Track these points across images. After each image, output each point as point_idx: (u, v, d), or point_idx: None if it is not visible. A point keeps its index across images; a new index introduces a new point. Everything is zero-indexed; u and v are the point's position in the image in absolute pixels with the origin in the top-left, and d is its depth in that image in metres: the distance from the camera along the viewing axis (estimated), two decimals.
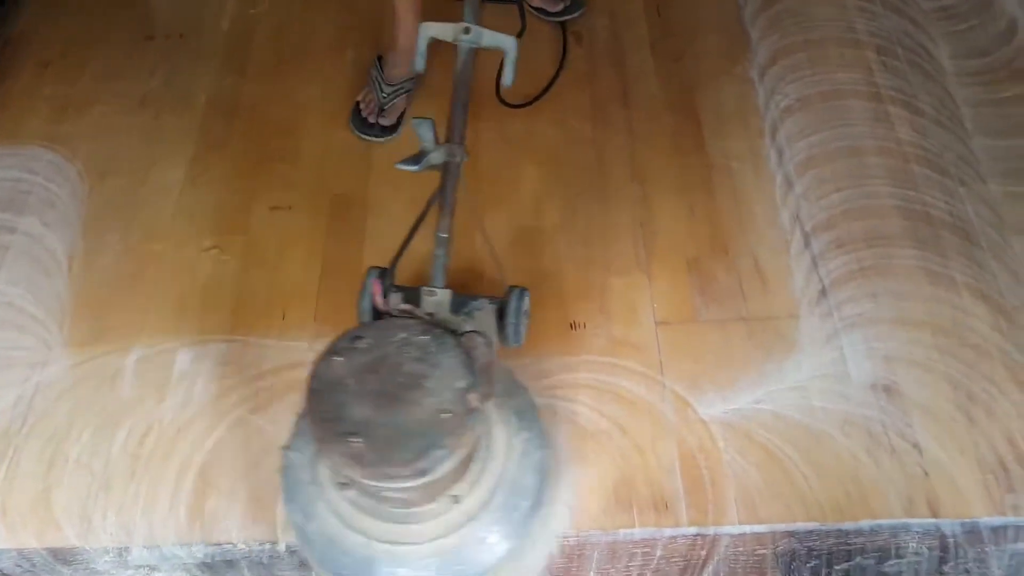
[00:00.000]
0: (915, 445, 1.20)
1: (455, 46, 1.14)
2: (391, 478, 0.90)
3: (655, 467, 1.19)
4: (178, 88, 1.70)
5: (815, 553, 1.14)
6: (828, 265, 1.38)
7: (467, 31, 1.11)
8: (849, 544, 1.14)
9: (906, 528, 1.14)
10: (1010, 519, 1.14)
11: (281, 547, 1.15)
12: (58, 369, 1.33)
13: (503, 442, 1.08)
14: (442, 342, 0.97)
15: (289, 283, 1.41)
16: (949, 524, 1.14)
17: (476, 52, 1.14)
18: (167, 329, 1.36)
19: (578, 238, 1.44)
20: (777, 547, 1.15)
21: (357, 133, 1.59)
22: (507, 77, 1.13)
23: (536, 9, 1.74)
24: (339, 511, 1.03)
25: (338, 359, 0.95)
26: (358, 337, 0.97)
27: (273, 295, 1.40)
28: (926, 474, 1.18)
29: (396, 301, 1.10)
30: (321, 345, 1.29)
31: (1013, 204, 1.45)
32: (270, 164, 1.57)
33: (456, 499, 1.01)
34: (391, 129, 1.58)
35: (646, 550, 1.15)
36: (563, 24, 1.73)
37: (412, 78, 1.59)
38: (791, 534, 1.14)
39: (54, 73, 1.75)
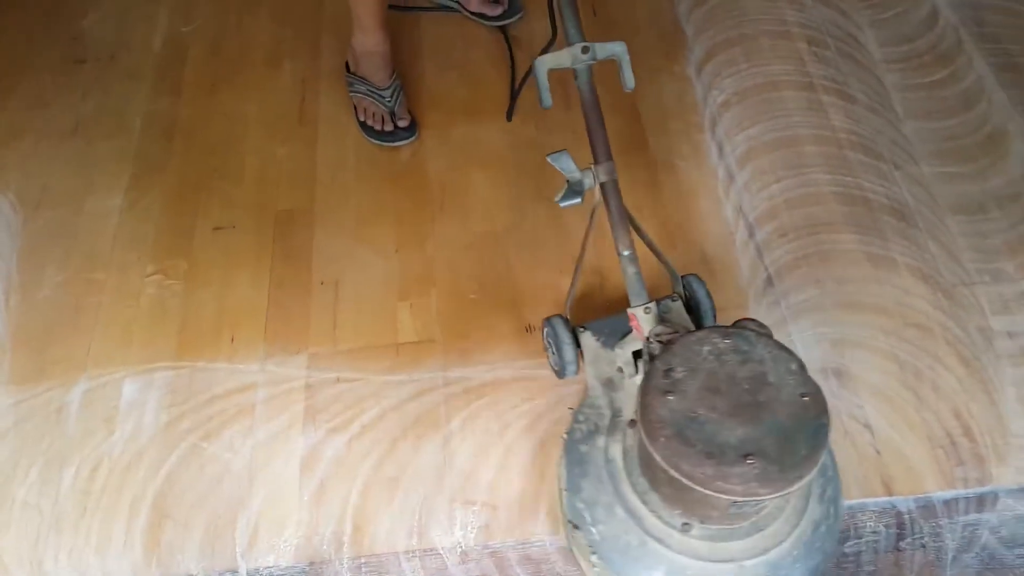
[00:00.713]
0: (866, 425, 1.21)
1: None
2: (799, 479, 0.84)
3: None
4: (111, 112, 1.64)
5: None
6: (772, 254, 1.39)
7: (584, 50, 1.10)
8: None
9: (863, 508, 1.15)
10: (960, 491, 1.16)
11: (242, 574, 1.11)
12: None
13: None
14: (744, 337, 0.92)
15: (237, 304, 1.37)
16: (903, 501, 1.15)
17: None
18: (112, 359, 1.31)
19: (528, 241, 1.43)
20: None
21: (384, 144, 1.55)
22: (628, 81, 1.12)
23: (475, 14, 1.72)
24: (694, 553, 0.98)
25: (671, 397, 0.88)
26: (668, 369, 0.90)
27: (221, 317, 1.36)
28: (878, 453, 1.19)
29: (657, 329, 1.04)
30: (274, 365, 1.30)
31: (945, 184, 1.48)
32: (211, 184, 1.52)
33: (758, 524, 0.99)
34: (412, 127, 1.55)
35: None
36: (503, 28, 1.72)
37: (397, 74, 1.57)
38: None
39: None
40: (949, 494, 1.15)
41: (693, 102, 1.61)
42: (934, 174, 1.49)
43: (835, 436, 1.20)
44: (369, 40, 1.51)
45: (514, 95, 1.60)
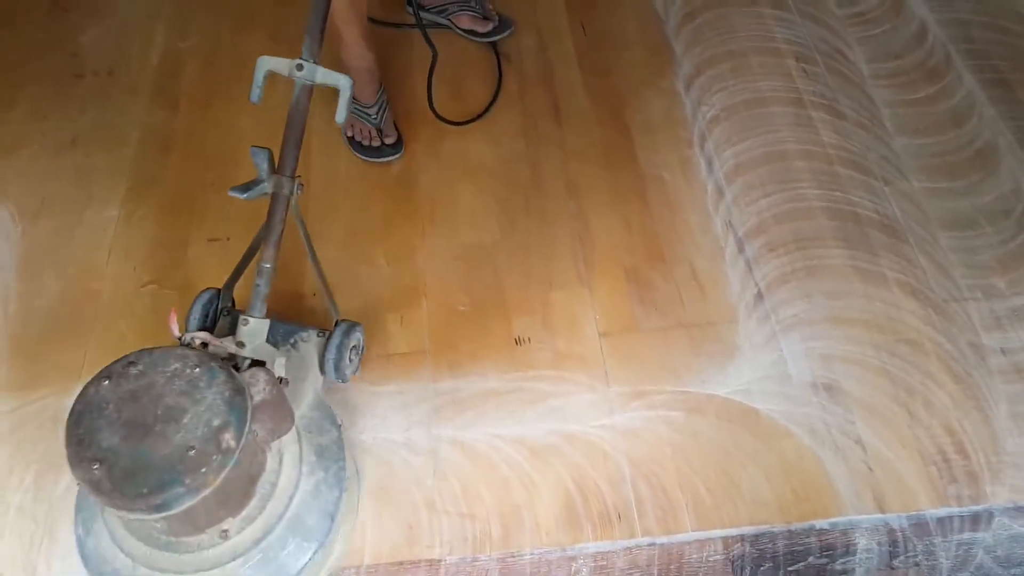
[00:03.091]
0: (858, 441, 1.15)
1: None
2: (127, 510, 0.85)
3: (606, 479, 1.12)
4: (109, 125, 1.59)
5: (767, 555, 1.08)
6: (762, 269, 1.33)
7: (300, 67, 1.06)
8: (801, 544, 1.08)
9: (855, 525, 1.09)
10: (954, 509, 1.09)
11: None
12: None
13: (291, 481, 1.01)
14: (213, 377, 0.90)
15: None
16: (896, 518, 1.09)
17: (312, 88, 1.09)
18: None
19: (518, 253, 1.37)
20: (730, 552, 1.08)
21: (371, 159, 1.51)
22: (339, 115, 1.08)
23: (465, 31, 1.67)
24: (113, 531, 0.99)
25: (107, 383, 0.90)
26: (132, 363, 0.91)
27: None
28: (870, 469, 1.13)
29: (204, 330, 1.04)
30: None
31: (935, 199, 1.42)
32: (206, 196, 1.48)
33: (225, 534, 0.96)
34: (399, 144, 1.51)
35: (602, 563, 1.07)
36: (493, 44, 1.67)
37: (383, 90, 1.53)
38: (742, 538, 1.08)
39: None
40: (943, 512, 1.09)
41: (682, 117, 1.56)
42: (924, 190, 1.43)
43: (826, 451, 1.14)
44: (351, 54, 1.47)
45: (488, 106, 1.58)
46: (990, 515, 1.09)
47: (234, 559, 0.96)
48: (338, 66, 1.55)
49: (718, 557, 1.08)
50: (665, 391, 1.20)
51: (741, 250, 1.36)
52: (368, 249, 1.39)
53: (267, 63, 1.07)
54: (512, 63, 1.66)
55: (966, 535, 1.08)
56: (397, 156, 1.51)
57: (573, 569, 1.07)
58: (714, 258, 1.35)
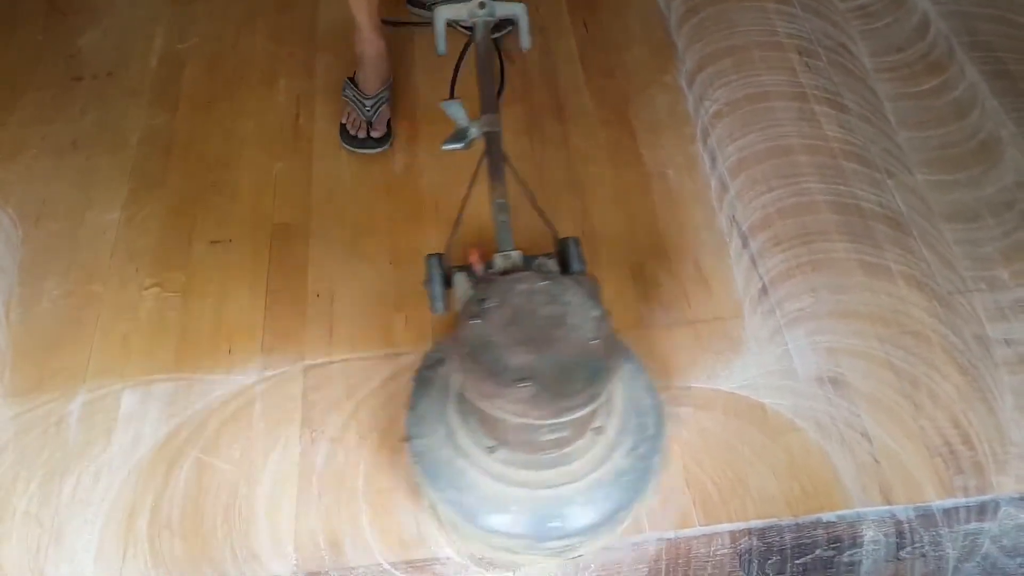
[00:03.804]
0: (864, 434, 1.17)
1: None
2: (571, 409, 0.90)
3: None
4: (110, 127, 1.60)
5: (775, 548, 1.10)
6: (767, 264, 1.35)
7: (482, 6, 1.14)
8: (808, 537, 1.10)
9: (862, 517, 1.10)
10: (961, 500, 1.11)
11: None
12: (0, 421, 1.23)
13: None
14: (562, 284, 0.97)
15: (234, 316, 1.33)
16: (903, 510, 1.11)
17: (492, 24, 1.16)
18: (111, 371, 1.28)
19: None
20: (738, 546, 1.10)
21: (352, 149, 1.54)
22: (524, 41, 1.16)
23: (466, 28, 1.69)
24: (495, 474, 1.02)
25: (476, 322, 0.94)
26: (483, 299, 0.96)
27: (218, 329, 1.32)
28: (877, 462, 1.14)
29: (493, 267, 1.06)
30: (271, 375, 1.26)
31: (939, 192, 1.44)
32: (208, 198, 1.49)
33: (599, 430, 1.03)
34: (383, 139, 1.54)
35: (610, 559, 1.09)
36: (495, 42, 1.69)
37: (387, 87, 1.56)
38: (750, 532, 1.10)
39: None
40: (949, 503, 1.11)
41: (685, 113, 1.57)
42: (928, 182, 1.45)
43: (832, 445, 1.16)
44: (361, 38, 1.51)
45: (453, 80, 1.58)
46: (996, 505, 1.11)
47: (614, 451, 1.04)
48: (337, 70, 1.58)
49: (725, 551, 1.09)
50: (671, 387, 1.22)
51: (746, 245, 1.38)
52: (373, 250, 1.41)
53: (445, 12, 1.14)
54: (515, 62, 1.67)
55: (972, 525, 1.10)
56: (377, 150, 1.53)
57: (581, 564, 1.09)
58: (719, 254, 1.37)
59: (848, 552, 1.09)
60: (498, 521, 1.03)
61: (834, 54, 1.65)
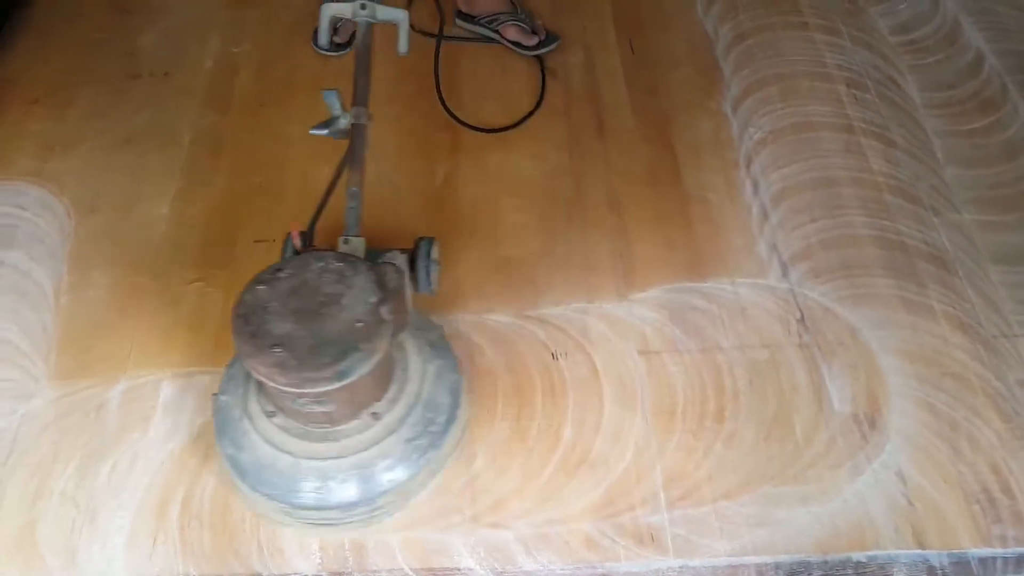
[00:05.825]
0: (899, 474, 1.13)
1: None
2: (313, 382, 0.95)
3: (639, 498, 1.12)
4: (163, 125, 1.63)
5: None
6: (806, 295, 1.32)
7: (363, 7, 1.19)
8: None
9: (893, 559, 1.07)
10: (998, 550, 1.07)
11: None
12: (43, 402, 1.26)
13: (418, 367, 1.14)
14: (355, 267, 1.03)
15: None
16: (936, 555, 1.07)
17: (373, 26, 1.22)
18: (152, 361, 1.29)
19: (558, 267, 1.38)
20: None
21: (316, 50, 1.71)
22: (401, 45, 1.22)
23: (512, 43, 1.70)
24: (269, 438, 1.08)
25: (261, 287, 1.01)
26: (279, 269, 1.03)
27: None
28: (911, 504, 1.11)
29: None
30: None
31: (986, 232, 1.40)
32: (253, 199, 1.51)
33: (376, 416, 1.08)
34: (345, 45, 1.72)
35: None
36: (539, 58, 1.69)
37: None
38: (777, 566, 1.07)
39: (42, 111, 1.68)
40: (986, 552, 1.07)
41: (728, 138, 1.56)
42: (975, 222, 1.41)
43: (865, 483, 1.12)
44: None
45: (524, 117, 1.61)
46: None
47: (388, 436, 1.08)
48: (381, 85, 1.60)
49: None
50: (701, 413, 1.20)
51: (785, 274, 1.35)
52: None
53: (331, 8, 1.20)
54: (558, 78, 1.67)
55: None
56: (340, 54, 1.71)
57: None
58: (757, 281, 1.34)
59: None
60: (262, 483, 1.07)
61: (883, 87, 1.63)
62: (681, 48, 1.72)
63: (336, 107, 1.17)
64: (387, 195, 1.48)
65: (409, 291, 1.13)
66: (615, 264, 1.38)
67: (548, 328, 1.31)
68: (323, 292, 1.00)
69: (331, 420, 1.05)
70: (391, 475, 1.07)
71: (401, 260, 1.17)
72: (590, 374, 1.25)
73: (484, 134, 1.58)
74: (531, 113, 1.61)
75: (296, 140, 1.60)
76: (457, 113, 1.61)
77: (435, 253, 1.23)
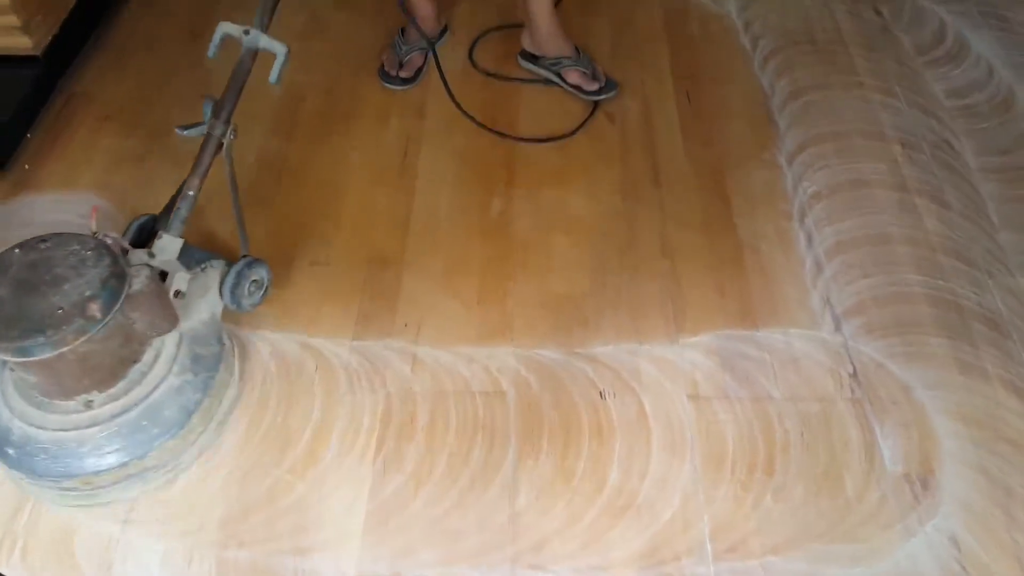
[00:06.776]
0: (952, 539, 1.10)
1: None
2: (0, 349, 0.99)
3: (685, 548, 1.10)
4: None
5: None
6: (859, 350, 1.31)
7: (247, 32, 1.30)
8: None
9: None
10: None
11: None
12: None
13: (159, 376, 1.15)
14: (100, 259, 1.05)
15: (323, 336, 1.36)
16: None
17: (255, 52, 1.33)
18: None
19: (607, 307, 1.38)
20: None
21: (383, 83, 1.79)
22: (272, 75, 1.30)
23: (573, 87, 1.73)
24: (4, 387, 1.15)
25: (17, 251, 1.06)
26: (43, 240, 1.07)
27: (307, 348, 1.34)
28: (964, 570, 1.08)
29: (116, 234, 1.16)
30: (353, 398, 1.27)
31: None
32: (312, 222, 1.54)
33: (89, 404, 1.11)
34: (410, 80, 1.78)
35: None
36: (597, 104, 1.72)
37: (429, 40, 1.75)
38: None
39: (112, 127, 1.73)
40: None
41: (782, 190, 1.56)
42: None
43: (917, 546, 1.10)
44: (416, 7, 1.77)
45: (558, 137, 1.68)
46: None
47: (92, 426, 1.11)
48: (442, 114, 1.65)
49: None
50: (749, 464, 1.18)
51: (838, 328, 1.34)
52: (462, 287, 1.42)
53: (225, 27, 1.32)
54: (616, 124, 1.70)
55: None
56: (402, 88, 1.77)
57: None
58: (810, 333, 1.34)
59: None
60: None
61: (937, 150, 1.63)
62: (737, 101, 1.74)
63: (206, 115, 1.31)
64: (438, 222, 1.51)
65: (173, 299, 1.17)
66: (665, 307, 1.38)
67: (597, 367, 1.31)
68: (54, 272, 1.03)
69: (44, 393, 1.10)
70: (79, 463, 1.10)
71: (218, 270, 1.26)
72: (638, 416, 1.24)
73: (539, 173, 1.61)
74: (570, 134, 1.67)
75: (356, 167, 1.63)
76: (515, 148, 1.65)
77: (258, 275, 1.32)
